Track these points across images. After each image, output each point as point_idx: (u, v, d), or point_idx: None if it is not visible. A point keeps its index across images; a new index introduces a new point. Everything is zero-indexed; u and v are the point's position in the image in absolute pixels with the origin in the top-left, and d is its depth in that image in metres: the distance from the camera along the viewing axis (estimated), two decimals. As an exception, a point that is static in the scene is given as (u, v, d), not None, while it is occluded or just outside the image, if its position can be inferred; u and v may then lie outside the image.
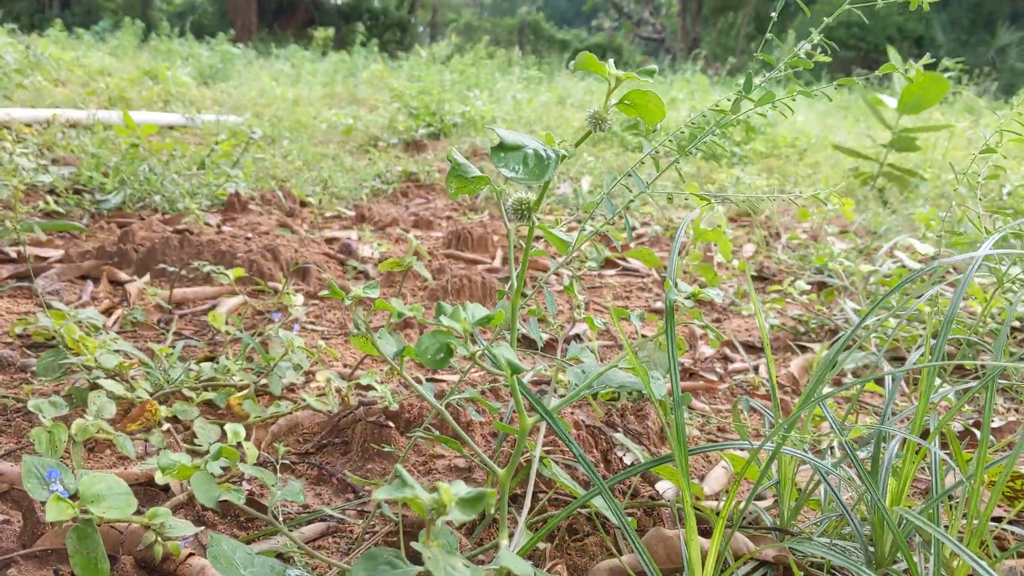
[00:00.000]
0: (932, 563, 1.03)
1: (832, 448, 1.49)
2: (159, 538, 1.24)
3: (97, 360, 1.88)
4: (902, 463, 1.11)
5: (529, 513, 1.28)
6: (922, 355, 2.16)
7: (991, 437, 2.01)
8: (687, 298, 1.12)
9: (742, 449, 1.49)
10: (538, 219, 1.09)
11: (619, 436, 1.42)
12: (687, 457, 1.01)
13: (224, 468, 1.56)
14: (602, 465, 1.55)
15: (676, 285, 1.16)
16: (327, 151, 6.18)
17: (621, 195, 4.91)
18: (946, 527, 1.25)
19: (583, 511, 1.35)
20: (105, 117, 6.25)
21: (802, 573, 1.15)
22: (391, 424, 1.64)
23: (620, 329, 1.14)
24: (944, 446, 1.96)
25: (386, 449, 1.60)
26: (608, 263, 3.88)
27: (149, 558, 1.25)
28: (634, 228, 4.83)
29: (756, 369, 2.63)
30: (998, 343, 1.24)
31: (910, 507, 1.17)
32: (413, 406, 1.70)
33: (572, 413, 1.71)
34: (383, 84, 11.22)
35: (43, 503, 1.03)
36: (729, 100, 1.26)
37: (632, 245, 4.38)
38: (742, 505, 1.13)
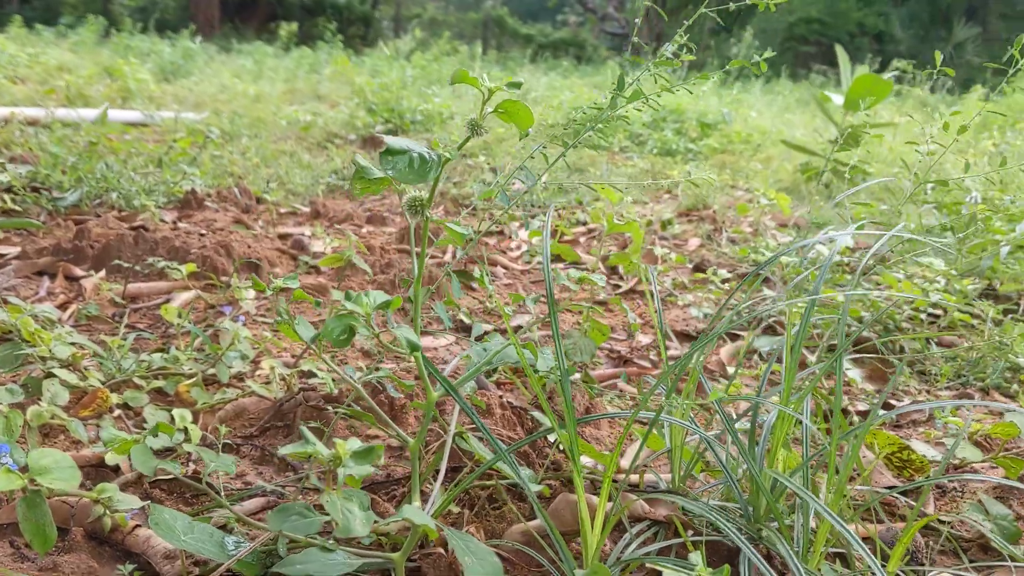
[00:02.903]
0: (799, 520, 1.16)
1: (735, 416, 1.62)
2: (107, 511, 1.34)
3: (52, 351, 1.97)
4: (774, 431, 1.24)
5: (451, 484, 1.39)
6: (827, 340, 2.31)
7: (885, 413, 2.16)
8: (577, 282, 1.24)
9: (637, 420, 1.61)
10: (431, 214, 1.20)
11: (537, 414, 1.54)
12: (575, 423, 1.13)
13: (170, 448, 1.67)
14: (528, 445, 1.67)
15: (567, 275, 1.27)
16: (285, 148, 6.25)
17: (573, 190, 4.99)
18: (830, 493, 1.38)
19: (504, 482, 1.47)
20: (63, 115, 6.28)
21: (690, 532, 1.28)
22: (329, 407, 1.75)
23: (504, 316, 1.25)
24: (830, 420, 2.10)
25: (323, 429, 1.71)
26: (556, 257, 4.00)
27: (98, 529, 1.36)
28: (584, 223, 4.96)
29: (690, 357, 2.77)
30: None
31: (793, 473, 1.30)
32: (351, 390, 1.81)
33: (502, 396, 1.83)
34: (346, 80, 11.27)
35: (-4, 476, 1.13)
36: (607, 95, 1.38)
37: (581, 240, 4.51)
38: (627, 464, 1.25)
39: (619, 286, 3.63)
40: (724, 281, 3.07)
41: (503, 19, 33.49)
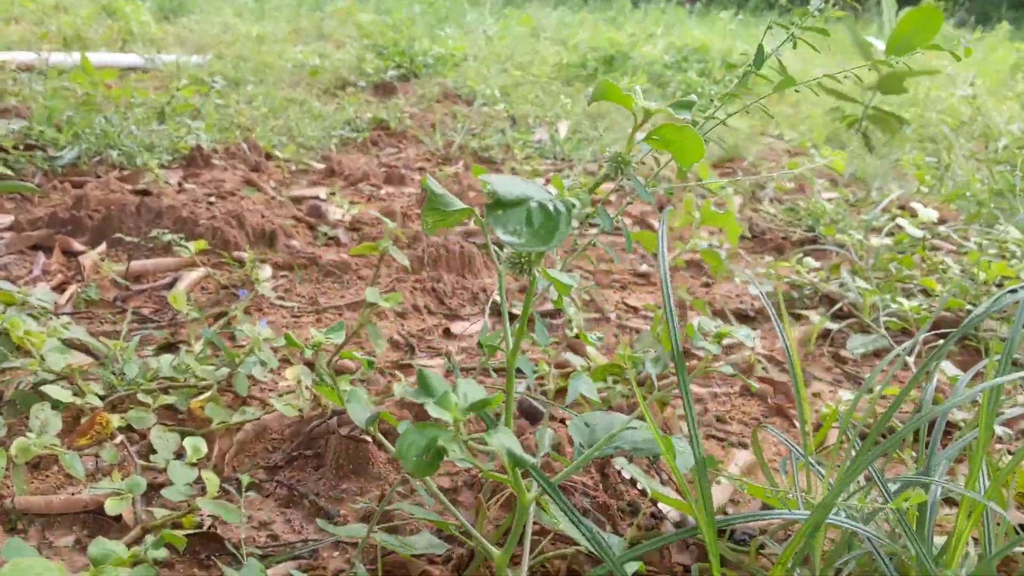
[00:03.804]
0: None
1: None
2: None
3: (43, 360, 1.72)
4: (956, 520, 0.99)
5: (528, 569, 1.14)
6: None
7: (1008, 429, 1.90)
8: (715, 338, 0.98)
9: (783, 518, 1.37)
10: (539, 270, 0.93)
11: (622, 462, 1.29)
12: (715, 532, 0.87)
13: (188, 483, 1.42)
14: (600, 484, 1.42)
15: (699, 330, 1.01)
16: (294, 95, 5.93)
17: (597, 140, 4.65)
18: None
19: (581, 548, 1.22)
20: (59, 61, 5.95)
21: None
22: (368, 438, 1.49)
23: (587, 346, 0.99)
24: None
25: (366, 467, 1.46)
26: (587, 221, 3.72)
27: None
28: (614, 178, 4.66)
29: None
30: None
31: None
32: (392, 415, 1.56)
33: (563, 421, 1.57)
34: (350, 17, 10.81)
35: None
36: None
37: (611, 197, 4.21)
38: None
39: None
40: (811, 271, 2.75)
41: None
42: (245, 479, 1.29)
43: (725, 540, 1.39)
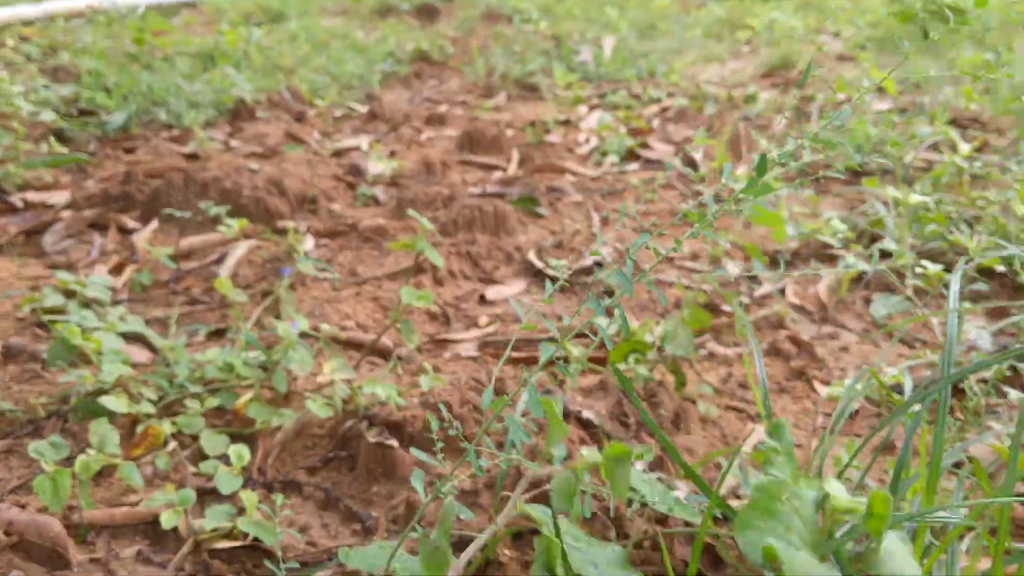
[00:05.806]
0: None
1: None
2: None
3: (100, 370, 1.85)
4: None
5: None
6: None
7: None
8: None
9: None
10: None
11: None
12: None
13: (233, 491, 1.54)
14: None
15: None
16: (335, 28, 5.93)
17: (644, 56, 4.63)
18: None
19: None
20: (108, 5, 6.04)
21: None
22: (394, 443, 1.60)
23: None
24: None
25: (394, 471, 1.57)
26: (629, 155, 3.72)
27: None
28: (658, 99, 4.61)
29: (783, 292, 2.54)
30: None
31: None
32: (416, 417, 1.66)
33: (578, 403, 1.65)
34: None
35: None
36: None
37: (655, 123, 4.18)
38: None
39: (700, 191, 3.35)
40: (836, 234, 2.71)
41: None
42: (279, 500, 1.41)
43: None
